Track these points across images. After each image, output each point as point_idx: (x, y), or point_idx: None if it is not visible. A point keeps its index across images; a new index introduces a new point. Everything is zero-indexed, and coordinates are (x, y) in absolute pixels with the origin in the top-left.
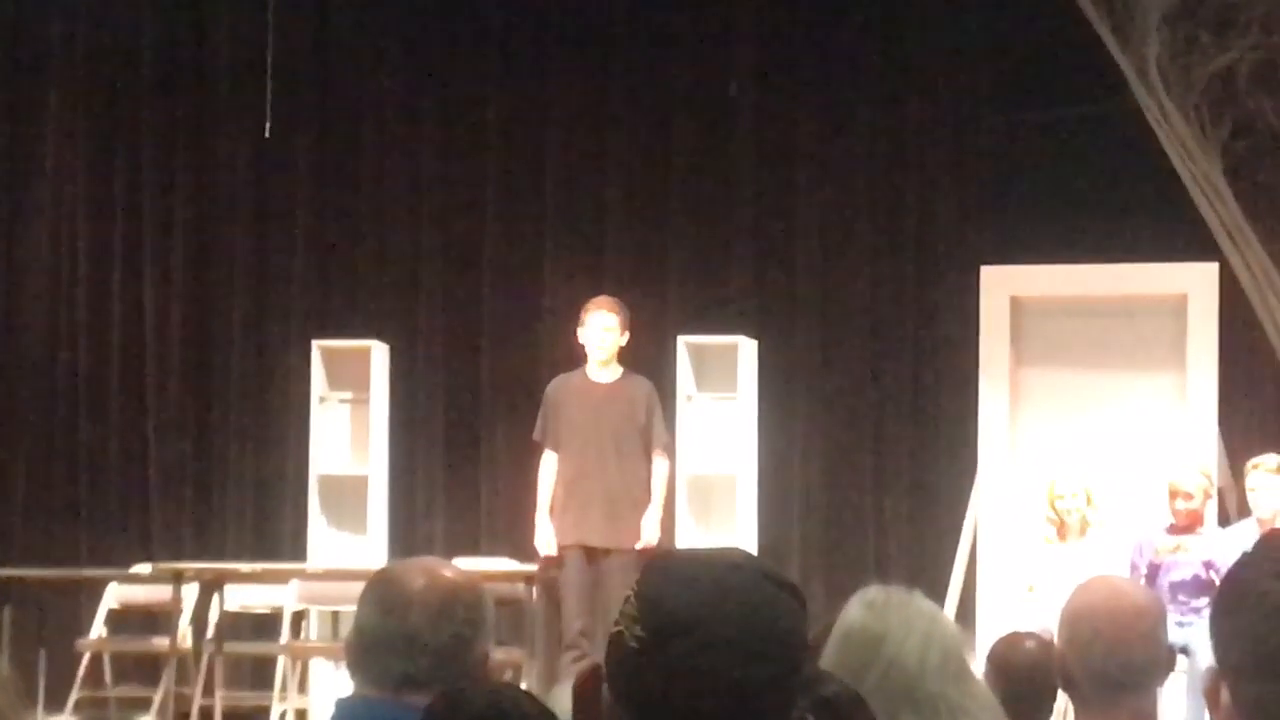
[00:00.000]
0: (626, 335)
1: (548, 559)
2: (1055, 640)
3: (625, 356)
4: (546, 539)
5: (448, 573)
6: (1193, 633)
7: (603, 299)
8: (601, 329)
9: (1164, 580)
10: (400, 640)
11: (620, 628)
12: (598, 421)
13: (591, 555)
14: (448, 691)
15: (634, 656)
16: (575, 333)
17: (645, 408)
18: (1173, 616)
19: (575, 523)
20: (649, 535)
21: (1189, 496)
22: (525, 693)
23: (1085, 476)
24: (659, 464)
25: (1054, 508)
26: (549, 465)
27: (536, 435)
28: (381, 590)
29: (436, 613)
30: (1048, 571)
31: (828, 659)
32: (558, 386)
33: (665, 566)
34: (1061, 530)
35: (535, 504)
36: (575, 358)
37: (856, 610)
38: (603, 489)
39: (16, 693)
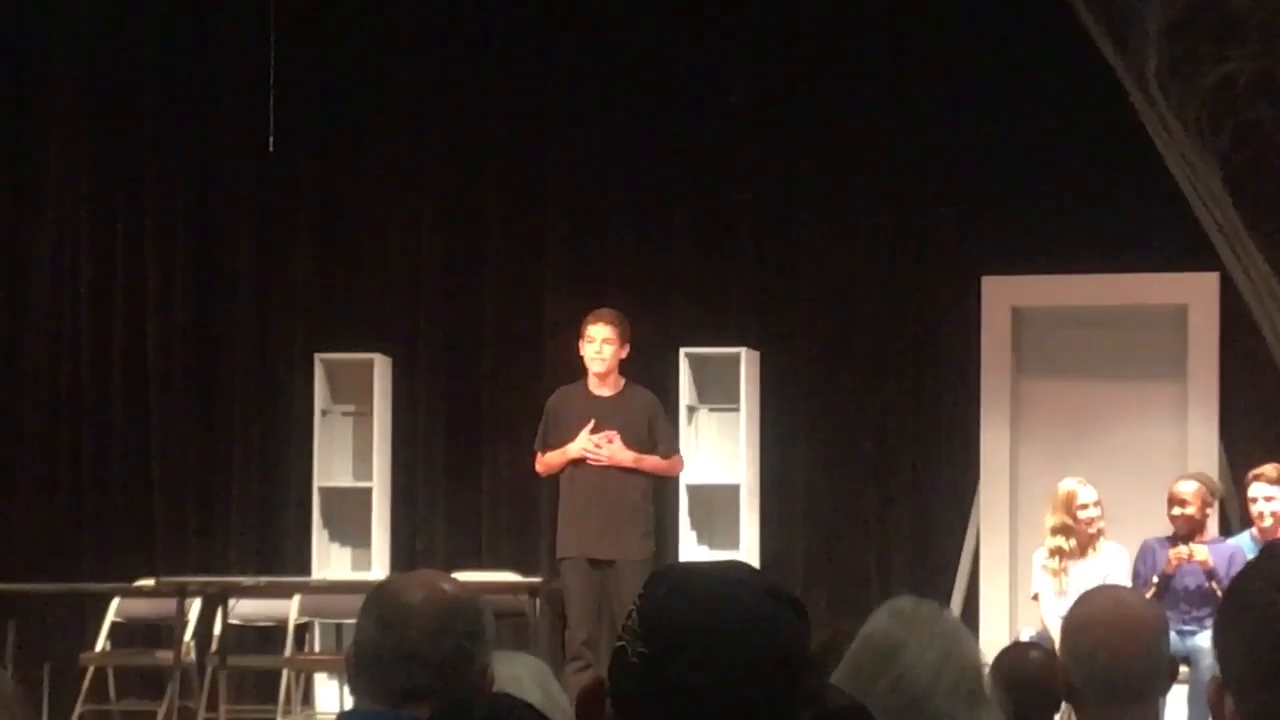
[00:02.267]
0: (627, 348)
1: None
2: (1058, 651)
3: (627, 368)
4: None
5: (447, 586)
6: (1195, 642)
7: (603, 311)
8: (600, 341)
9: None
10: (400, 654)
11: (623, 642)
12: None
13: (595, 565)
14: (447, 702)
15: (636, 671)
16: (576, 345)
17: (647, 419)
18: (1175, 625)
19: (577, 536)
20: (616, 451)
21: (1185, 503)
22: (524, 703)
23: (1095, 486)
24: (667, 462)
25: (1075, 518)
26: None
27: (537, 445)
28: (381, 604)
29: (436, 626)
30: (1054, 581)
31: (845, 662)
32: (558, 399)
33: (667, 581)
34: (1082, 540)
35: (538, 515)
36: (575, 369)
37: (882, 617)
38: (603, 502)
39: (21, 707)
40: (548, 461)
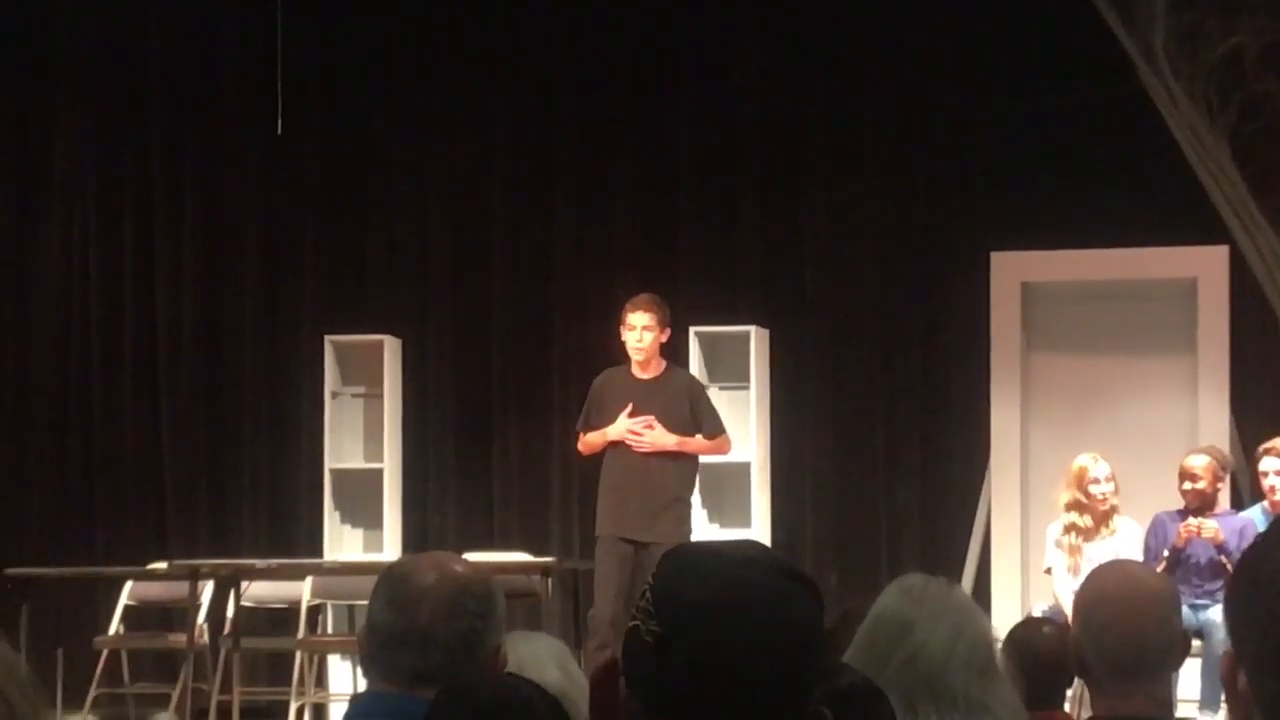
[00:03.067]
0: (667, 333)
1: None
2: (1070, 625)
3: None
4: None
5: (458, 567)
6: (1207, 615)
7: (641, 298)
8: (640, 329)
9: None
10: (412, 636)
11: (636, 622)
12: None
13: (629, 545)
14: (453, 683)
15: (649, 651)
16: (587, 325)
17: (688, 401)
18: (1187, 599)
19: (615, 517)
20: (657, 435)
21: (1195, 478)
22: (531, 683)
23: (1108, 462)
24: (710, 442)
25: (1086, 492)
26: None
27: (579, 426)
28: (392, 586)
29: (448, 608)
30: (1068, 559)
31: (857, 640)
32: (603, 381)
33: (680, 561)
34: (1096, 517)
35: (549, 495)
36: (586, 350)
37: (892, 595)
38: (642, 485)
39: (35, 691)
40: (589, 441)
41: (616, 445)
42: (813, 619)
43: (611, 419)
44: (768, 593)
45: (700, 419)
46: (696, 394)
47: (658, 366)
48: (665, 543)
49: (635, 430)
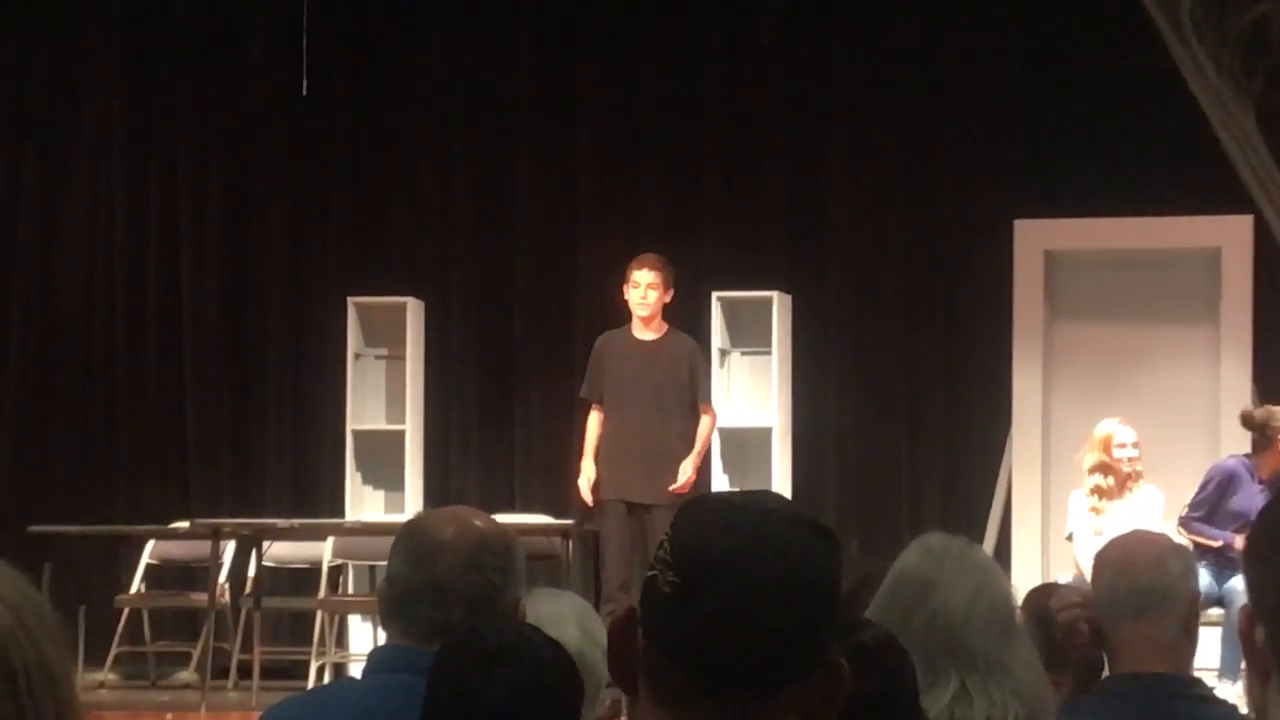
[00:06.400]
0: (670, 293)
1: (585, 504)
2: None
3: (665, 312)
4: (587, 482)
5: (477, 522)
6: (1230, 584)
7: (646, 257)
8: (645, 286)
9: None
10: (431, 590)
11: (654, 572)
12: (641, 378)
13: (633, 509)
14: (464, 632)
15: (668, 602)
16: (609, 289)
17: (689, 365)
18: (1209, 567)
19: (616, 478)
20: (684, 478)
21: None
22: (537, 629)
23: (1132, 429)
24: (704, 420)
25: (1111, 455)
26: (595, 421)
27: (583, 392)
28: (412, 541)
29: (467, 562)
30: (1092, 524)
31: (878, 599)
32: (604, 343)
33: (699, 511)
34: (1119, 479)
35: (580, 454)
36: (608, 313)
37: (913, 554)
38: (643, 445)
39: (65, 642)
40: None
41: (616, 407)
42: (831, 570)
43: (615, 381)
44: (786, 544)
45: (696, 386)
46: (696, 360)
47: (660, 327)
48: (666, 503)
49: (679, 489)
